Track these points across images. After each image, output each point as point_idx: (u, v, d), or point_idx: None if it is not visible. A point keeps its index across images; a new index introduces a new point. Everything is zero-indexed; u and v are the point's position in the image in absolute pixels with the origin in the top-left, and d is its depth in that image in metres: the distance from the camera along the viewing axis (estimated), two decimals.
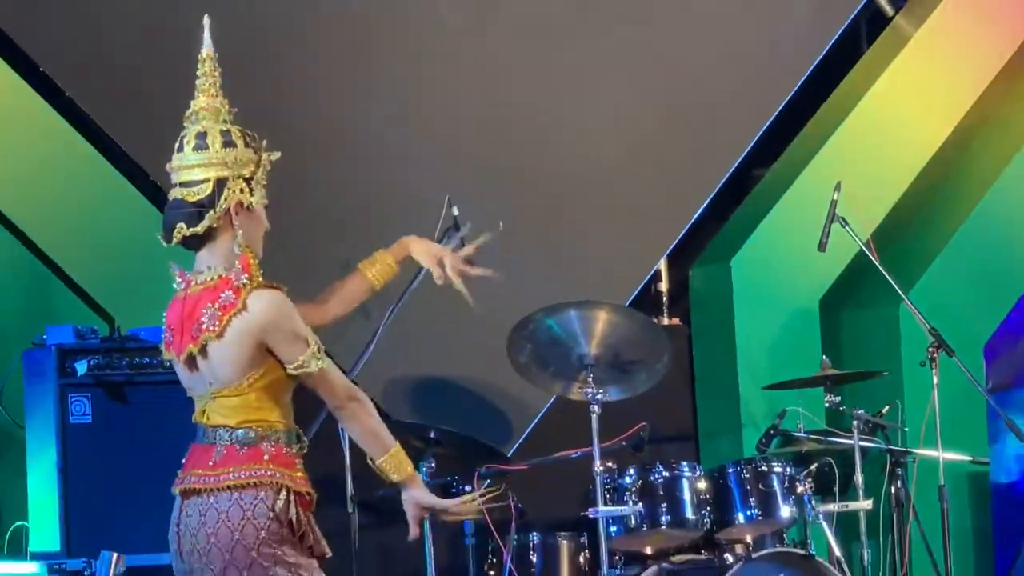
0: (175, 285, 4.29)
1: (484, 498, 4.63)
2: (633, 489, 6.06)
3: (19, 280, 6.14)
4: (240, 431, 4.20)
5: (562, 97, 7.04)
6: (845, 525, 6.70)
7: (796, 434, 6.47)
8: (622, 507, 6.03)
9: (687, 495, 6.10)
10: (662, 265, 7.20)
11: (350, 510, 6.05)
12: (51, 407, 5.47)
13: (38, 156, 6.23)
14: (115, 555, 4.04)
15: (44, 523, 5.54)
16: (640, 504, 6.04)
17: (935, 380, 6.46)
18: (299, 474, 4.26)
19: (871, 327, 7.48)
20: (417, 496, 4.36)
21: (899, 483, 6.67)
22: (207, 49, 4.32)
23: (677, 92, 7.20)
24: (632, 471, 6.09)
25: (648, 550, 6.22)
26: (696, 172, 7.24)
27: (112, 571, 3.89)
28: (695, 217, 7.21)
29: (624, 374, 6.10)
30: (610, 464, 6.06)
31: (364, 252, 4.67)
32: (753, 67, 7.30)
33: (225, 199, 4.19)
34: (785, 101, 7.35)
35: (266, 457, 4.20)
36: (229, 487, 4.17)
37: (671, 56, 7.20)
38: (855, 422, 6.35)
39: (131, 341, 5.63)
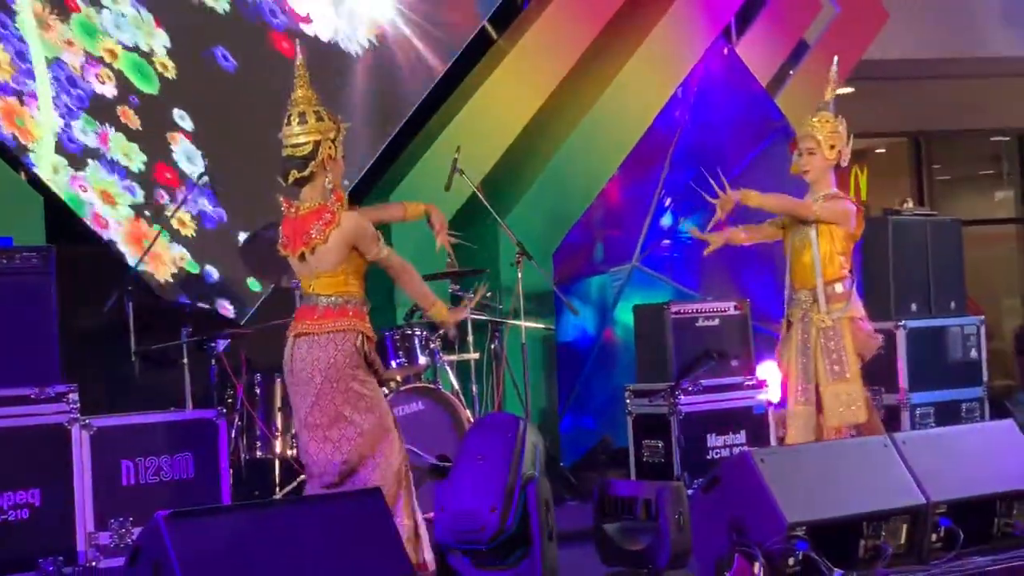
0: (282, 209, 5.29)
1: (479, 298, 5.67)
2: None
3: None
4: (334, 297, 5.20)
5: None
6: (461, 370, 7.55)
7: None
8: None
9: None
10: None
11: (132, 359, 6.95)
12: None
13: None
14: None
15: None
16: None
17: (519, 276, 7.60)
18: (368, 324, 5.25)
19: (481, 240, 8.10)
20: (451, 321, 5.45)
21: (497, 342, 7.66)
22: (300, 58, 5.34)
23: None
24: None
25: None
26: (367, 140, 8.32)
27: None
28: (366, 168, 8.27)
29: None
30: None
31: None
32: (405, 70, 8.45)
33: (320, 153, 5.19)
34: (426, 93, 8.58)
35: (350, 313, 5.21)
36: (328, 331, 5.15)
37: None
38: None
39: None
